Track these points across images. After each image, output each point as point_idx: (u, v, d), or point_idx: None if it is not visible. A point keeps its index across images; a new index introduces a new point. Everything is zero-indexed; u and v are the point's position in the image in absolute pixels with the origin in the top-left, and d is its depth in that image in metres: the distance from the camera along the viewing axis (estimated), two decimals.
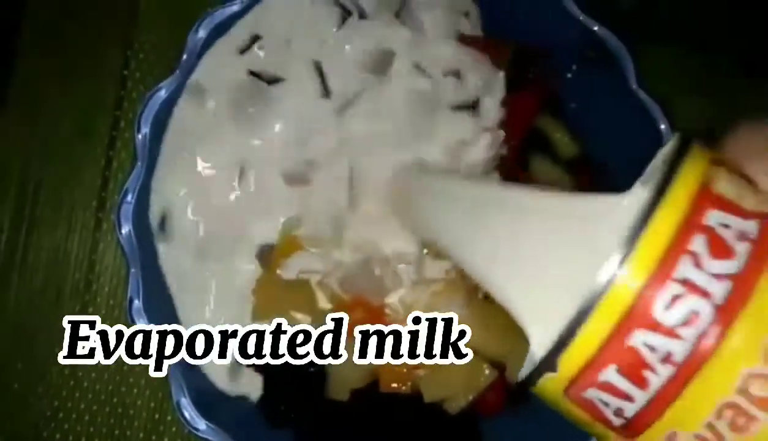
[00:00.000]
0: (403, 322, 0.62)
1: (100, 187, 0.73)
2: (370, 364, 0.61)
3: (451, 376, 0.64)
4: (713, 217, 0.27)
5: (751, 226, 0.27)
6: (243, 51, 0.61)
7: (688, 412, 0.27)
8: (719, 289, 0.26)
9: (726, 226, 0.27)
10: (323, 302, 0.63)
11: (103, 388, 0.71)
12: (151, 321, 0.59)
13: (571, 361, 0.29)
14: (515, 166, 0.65)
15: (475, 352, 0.64)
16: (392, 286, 0.62)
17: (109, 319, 0.71)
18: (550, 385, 0.30)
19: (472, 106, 0.64)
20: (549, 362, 0.30)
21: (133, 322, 0.60)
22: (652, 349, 0.27)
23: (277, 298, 0.62)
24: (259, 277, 0.63)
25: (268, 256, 0.62)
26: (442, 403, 0.64)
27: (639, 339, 0.27)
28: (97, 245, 0.72)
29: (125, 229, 0.58)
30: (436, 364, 0.63)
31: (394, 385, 0.62)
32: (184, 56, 0.61)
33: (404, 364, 0.62)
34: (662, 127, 0.63)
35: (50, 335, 0.71)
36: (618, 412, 0.29)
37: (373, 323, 0.61)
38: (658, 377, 0.27)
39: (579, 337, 0.28)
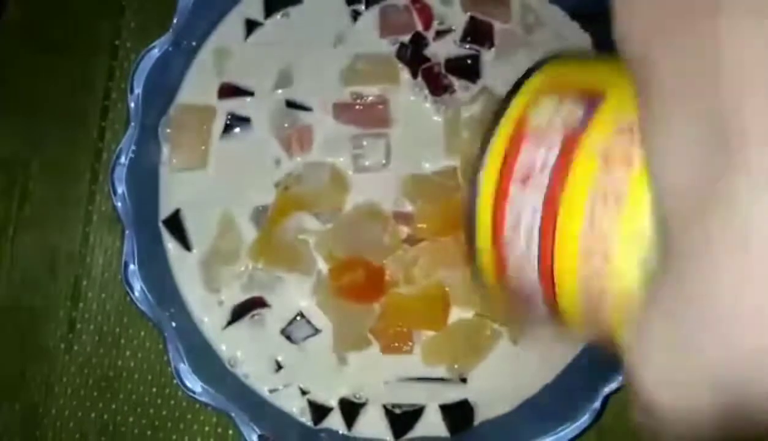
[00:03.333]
0: (404, 282, 0.61)
1: (93, 158, 0.72)
2: (370, 323, 0.60)
3: (452, 338, 0.63)
4: None
5: None
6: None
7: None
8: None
9: None
10: (321, 263, 0.62)
11: (99, 362, 0.70)
12: (146, 284, 0.58)
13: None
14: None
15: (477, 313, 0.64)
16: (392, 246, 0.61)
17: (104, 292, 0.70)
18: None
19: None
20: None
21: (129, 287, 0.59)
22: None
23: (274, 260, 0.61)
24: (255, 239, 0.62)
25: (264, 217, 0.62)
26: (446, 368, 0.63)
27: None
28: (91, 218, 0.71)
29: (119, 189, 0.57)
30: (436, 326, 0.63)
31: (395, 344, 0.61)
32: (176, 18, 0.61)
33: (404, 323, 0.61)
34: None
35: (44, 309, 0.70)
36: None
37: (372, 283, 0.61)
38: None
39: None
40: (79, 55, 0.73)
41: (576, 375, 0.64)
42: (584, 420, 0.60)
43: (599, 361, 0.63)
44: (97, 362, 0.70)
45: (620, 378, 0.60)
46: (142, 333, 0.70)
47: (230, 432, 0.69)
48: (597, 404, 0.60)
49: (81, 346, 0.70)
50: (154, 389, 0.70)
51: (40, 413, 0.69)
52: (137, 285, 0.57)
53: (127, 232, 0.57)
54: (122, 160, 0.57)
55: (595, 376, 0.61)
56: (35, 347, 0.70)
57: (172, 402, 0.69)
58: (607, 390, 0.60)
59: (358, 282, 0.60)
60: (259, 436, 0.58)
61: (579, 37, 0.68)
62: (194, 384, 0.58)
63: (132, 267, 0.57)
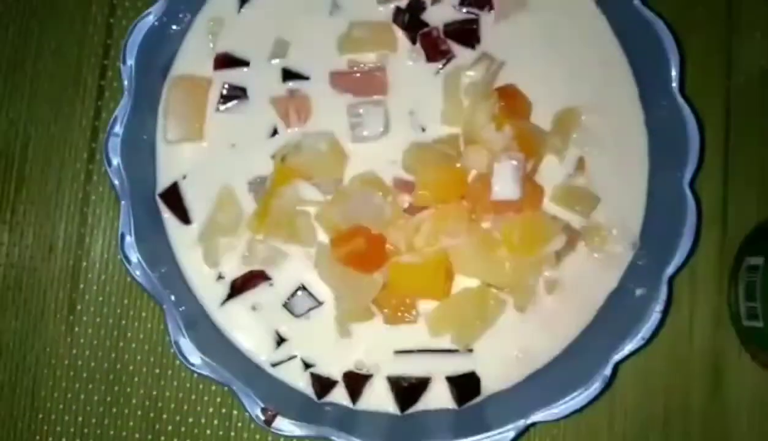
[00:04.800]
0: (406, 251, 0.60)
1: (90, 139, 0.71)
2: (373, 293, 0.59)
3: (456, 307, 0.62)
4: None
5: None
6: None
7: None
8: None
9: None
10: (321, 234, 0.61)
11: (101, 344, 0.69)
12: (144, 257, 0.57)
13: None
14: None
15: (480, 281, 0.62)
16: (393, 215, 0.60)
17: (104, 273, 0.69)
18: None
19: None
20: None
21: (127, 260, 0.58)
22: None
23: (274, 231, 0.60)
24: (254, 211, 0.61)
25: (262, 188, 0.61)
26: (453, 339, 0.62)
27: None
28: (89, 197, 0.70)
29: (114, 161, 0.56)
30: (439, 295, 0.61)
31: (399, 314, 0.60)
32: None
33: (407, 292, 0.60)
34: (666, 42, 0.61)
35: (44, 291, 0.69)
36: None
37: (374, 251, 0.59)
38: None
39: None
40: (74, 34, 0.72)
41: (585, 343, 0.63)
42: (595, 388, 0.58)
43: (609, 328, 0.62)
44: (98, 343, 0.69)
45: (630, 345, 0.59)
46: (144, 314, 0.69)
47: (235, 412, 0.68)
48: (607, 371, 0.58)
49: (82, 327, 0.69)
50: (157, 370, 0.69)
51: (42, 396, 0.69)
52: (134, 257, 0.56)
53: (123, 203, 0.56)
54: (116, 129, 0.56)
55: (604, 344, 0.60)
56: (36, 330, 0.69)
57: (175, 382, 0.69)
58: (617, 357, 0.59)
59: (359, 251, 0.59)
60: (262, 409, 0.57)
61: None
62: (194, 357, 0.57)
63: (129, 239, 0.56)
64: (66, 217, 0.70)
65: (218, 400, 0.68)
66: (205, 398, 0.68)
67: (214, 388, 0.68)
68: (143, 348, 0.69)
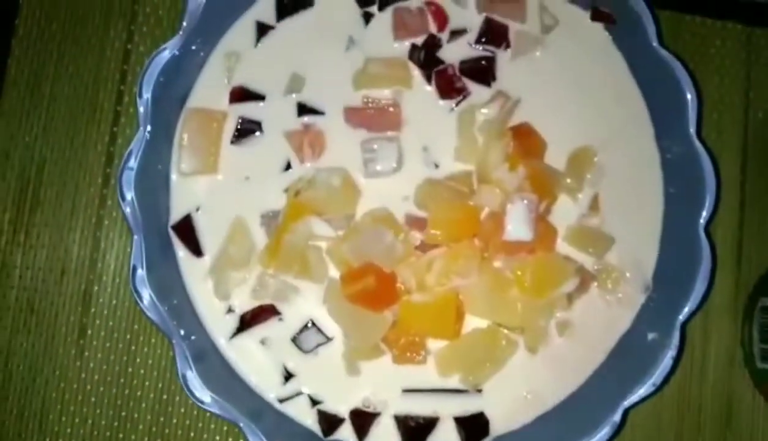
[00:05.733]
0: (417, 290, 0.60)
1: (105, 163, 0.71)
2: (383, 331, 0.59)
3: (466, 348, 0.61)
4: None
5: None
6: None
7: None
8: None
9: None
10: (332, 270, 0.61)
11: (110, 369, 0.69)
12: (155, 292, 0.57)
13: None
14: None
15: (490, 321, 0.62)
16: (405, 253, 0.60)
17: (115, 298, 0.69)
18: None
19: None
20: None
21: (138, 295, 0.58)
22: None
23: (285, 266, 0.59)
24: (265, 245, 0.61)
25: (275, 222, 0.61)
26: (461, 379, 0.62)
27: None
28: (102, 222, 0.71)
29: (128, 194, 0.56)
30: (449, 335, 0.61)
31: (408, 354, 0.59)
32: (185, 21, 0.60)
33: (417, 331, 0.59)
34: (684, 84, 0.60)
35: (55, 314, 0.70)
36: None
37: (384, 290, 0.59)
38: None
39: None
40: (92, 59, 0.72)
41: (595, 387, 0.62)
42: (604, 434, 0.58)
43: (620, 372, 0.62)
44: (107, 368, 0.69)
45: (641, 390, 0.58)
46: (153, 340, 0.69)
47: None
48: (617, 418, 0.58)
49: (92, 351, 0.69)
50: (165, 396, 0.69)
51: (50, 419, 0.69)
52: (146, 293, 0.57)
53: (135, 237, 0.56)
54: (131, 164, 0.56)
55: (615, 389, 0.59)
56: (47, 352, 0.69)
57: (183, 410, 0.69)
58: (627, 403, 0.58)
59: (370, 289, 0.59)
60: None
61: (599, 38, 0.66)
62: (202, 393, 0.57)
63: (140, 272, 0.56)
64: (79, 240, 0.71)
65: (225, 428, 0.68)
66: (212, 426, 0.68)
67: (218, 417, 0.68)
68: (151, 374, 0.69)
